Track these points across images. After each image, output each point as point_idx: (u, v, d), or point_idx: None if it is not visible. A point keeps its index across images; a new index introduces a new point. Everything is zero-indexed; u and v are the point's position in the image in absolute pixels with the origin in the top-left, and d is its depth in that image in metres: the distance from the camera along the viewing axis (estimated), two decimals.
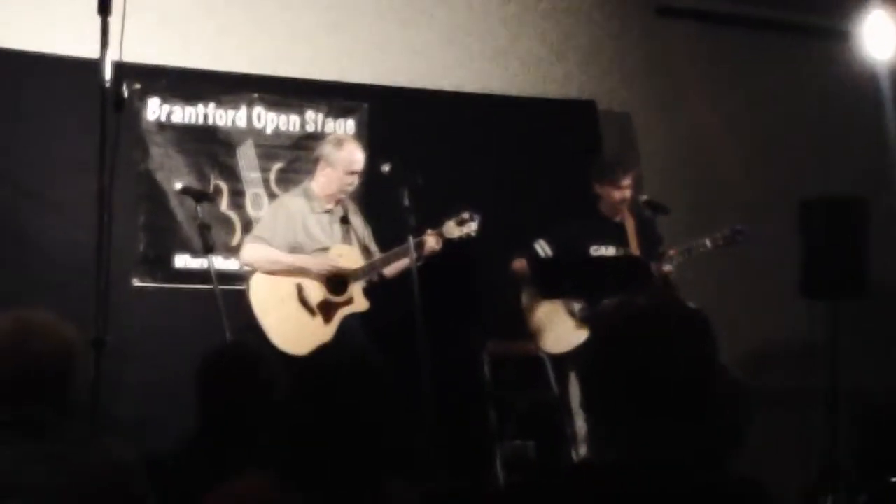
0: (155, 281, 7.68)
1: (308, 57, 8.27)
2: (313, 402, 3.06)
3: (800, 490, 7.87)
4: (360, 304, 7.20)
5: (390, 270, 7.32)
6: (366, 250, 7.38)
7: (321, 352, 3.31)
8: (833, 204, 8.27)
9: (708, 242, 7.51)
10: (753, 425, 3.24)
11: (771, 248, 8.74)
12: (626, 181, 7.74)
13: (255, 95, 8.04)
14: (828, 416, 7.97)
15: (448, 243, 7.27)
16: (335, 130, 8.08)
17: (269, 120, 8.09)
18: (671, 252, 7.50)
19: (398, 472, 3.20)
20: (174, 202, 7.71)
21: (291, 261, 7.09)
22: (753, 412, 3.26)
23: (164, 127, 7.77)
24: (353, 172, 7.26)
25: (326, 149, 7.32)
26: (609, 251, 7.72)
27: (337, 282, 7.14)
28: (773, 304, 8.98)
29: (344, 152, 7.26)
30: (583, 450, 7.37)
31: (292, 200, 7.28)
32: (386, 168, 6.98)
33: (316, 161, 7.37)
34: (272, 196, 7.93)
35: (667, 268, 7.50)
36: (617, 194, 7.73)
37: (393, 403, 3.15)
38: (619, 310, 2.64)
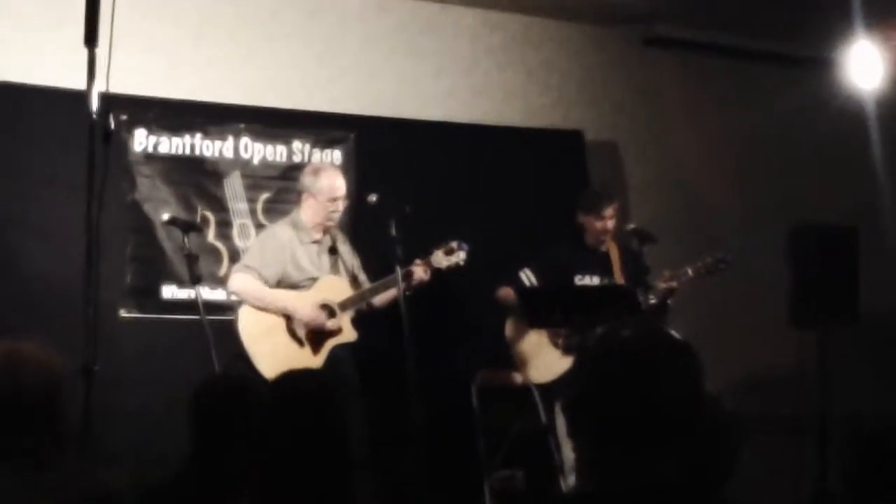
0: (142, 311, 7.67)
1: (295, 87, 8.29)
2: (290, 428, 3.06)
3: None
4: (348, 334, 7.18)
5: (379, 300, 7.30)
6: (354, 280, 7.36)
7: (294, 375, 3.31)
8: (822, 232, 8.30)
9: (690, 271, 7.50)
10: (745, 454, 3.24)
11: (761, 277, 8.76)
12: (609, 212, 7.76)
13: (242, 126, 8.04)
14: (819, 442, 7.97)
15: (436, 273, 7.27)
16: (322, 160, 8.09)
17: (256, 150, 8.10)
18: (661, 285, 7.49)
19: (387, 501, 3.20)
20: (161, 233, 7.70)
21: (277, 304, 7.05)
22: (744, 443, 3.25)
23: (151, 158, 7.77)
24: (335, 199, 7.24)
25: (306, 180, 7.31)
26: (594, 280, 7.74)
27: (326, 311, 7.12)
28: (764, 332, 8.98)
29: (323, 180, 7.25)
30: (571, 479, 7.35)
31: (281, 231, 7.26)
32: (373, 198, 6.98)
33: (299, 194, 7.36)
34: (259, 226, 7.93)
35: (652, 300, 7.50)
36: (599, 225, 7.75)
37: (371, 430, 3.16)
38: (605, 340, 2.64)
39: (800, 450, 8.26)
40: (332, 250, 7.34)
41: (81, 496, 3.31)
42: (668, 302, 7.54)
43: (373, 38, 8.61)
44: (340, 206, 7.29)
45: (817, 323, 8.13)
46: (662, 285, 7.46)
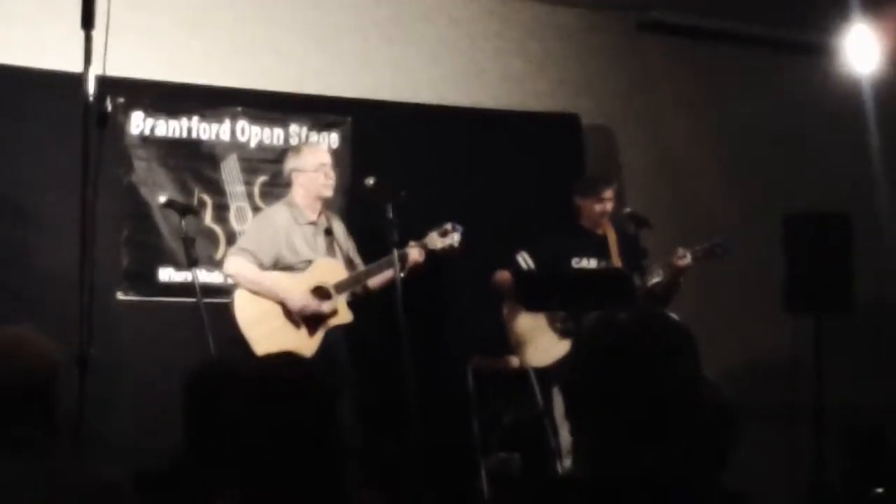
0: (139, 295, 7.66)
1: (292, 72, 8.28)
2: (282, 415, 3.06)
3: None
4: (344, 316, 7.19)
5: (374, 283, 7.30)
6: (349, 262, 7.37)
7: (281, 359, 3.30)
8: (816, 219, 8.30)
9: (688, 255, 7.50)
10: (740, 441, 3.24)
11: (755, 264, 8.77)
12: (607, 194, 7.77)
13: (239, 109, 8.03)
14: (814, 431, 7.99)
15: (431, 255, 7.27)
16: (319, 144, 8.07)
17: (253, 134, 8.09)
18: (676, 262, 7.48)
19: (382, 485, 3.20)
20: (158, 216, 7.69)
21: (270, 291, 7.06)
22: (742, 430, 3.25)
23: (147, 141, 7.75)
24: (323, 164, 7.27)
25: (290, 162, 7.35)
26: (591, 264, 7.74)
27: (321, 293, 7.13)
28: (758, 320, 9.00)
29: (306, 154, 7.34)
30: (568, 462, 7.37)
31: (277, 213, 7.27)
32: (370, 182, 6.97)
33: (288, 180, 7.36)
34: (256, 210, 7.92)
35: (652, 281, 7.52)
36: (598, 207, 7.75)
37: (365, 415, 3.15)
38: (602, 324, 2.63)
39: (795, 438, 8.28)
40: (328, 232, 7.34)
41: (77, 484, 3.31)
42: (680, 281, 7.55)
43: (369, 25, 8.60)
44: (331, 174, 7.31)
45: (812, 311, 8.14)
46: (677, 262, 7.45)
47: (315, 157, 7.31)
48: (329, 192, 7.35)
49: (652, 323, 2.59)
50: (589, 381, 2.55)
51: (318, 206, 7.31)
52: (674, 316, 2.65)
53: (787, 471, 8.28)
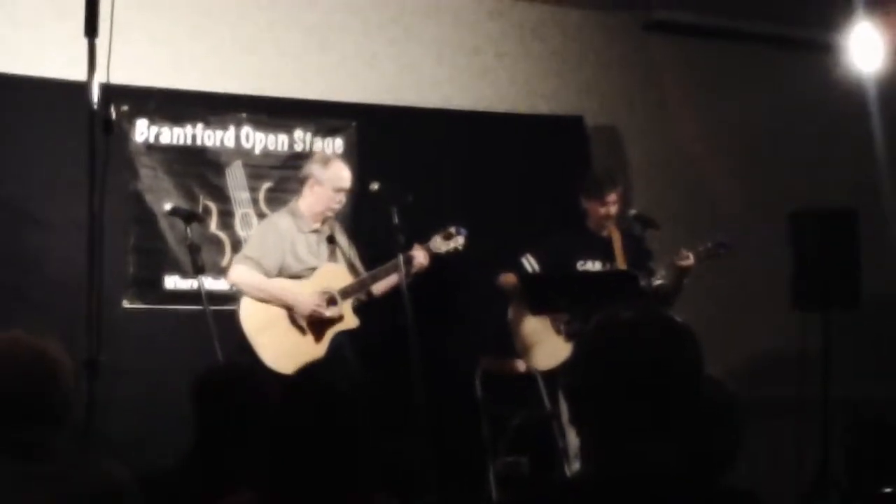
0: (145, 302, 7.67)
1: (296, 76, 8.28)
2: (297, 417, 3.07)
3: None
4: (350, 321, 7.18)
5: (379, 289, 7.30)
6: (352, 269, 7.36)
7: (308, 368, 3.32)
8: (822, 215, 8.31)
9: (691, 256, 7.49)
10: (747, 437, 3.24)
11: (762, 260, 8.77)
12: (612, 197, 7.74)
13: (244, 115, 8.03)
14: (821, 426, 7.98)
15: (436, 258, 7.27)
16: (323, 149, 8.09)
17: (258, 140, 8.09)
18: (679, 262, 7.47)
19: (391, 488, 3.20)
20: (163, 223, 7.70)
21: (277, 297, 7.05)
22: (746, 426, 3.25)
23: (152, 148, 7.76)
24: (340, 189, 7.24)
25: (314, 168, 7.30)
26: (595, 266, 7.73)
27: (327, 299, 7.12)
28: (766, 315, 9.00)
29: (332, 170, 7.25)
30: (576, 465, 7.36)
31: (280, 220, 7.25)
32: (374, 186, 6.98)
33: (303, 180, 7.34)
34: (261, 216, 7.91)
35: (656, 283, 7.51)
36: (602, 210, 7.74)
37: (376, 418, 3.16)
38: (604, 324, 2.63)
39: (802, 433, 8.27)
40: (331, 239, 7.34)
41: (85, 488, 3.31)
42: (683, 282, 7.54)
43: (373, 26, 8.59)
44: (344, 198, 7.29)
45: (819, 306, 8.14)
46: (681, 263, 7.44)
47: (340, 177, 7.24)
48: (333, 213, 7.33)
49: (654, 324, 2.60)
50: (592, 382, 2.56)
51: (321, 217, 7.30)
52: (676, 317, 2.66)
53: (793, 465, 8.27)
